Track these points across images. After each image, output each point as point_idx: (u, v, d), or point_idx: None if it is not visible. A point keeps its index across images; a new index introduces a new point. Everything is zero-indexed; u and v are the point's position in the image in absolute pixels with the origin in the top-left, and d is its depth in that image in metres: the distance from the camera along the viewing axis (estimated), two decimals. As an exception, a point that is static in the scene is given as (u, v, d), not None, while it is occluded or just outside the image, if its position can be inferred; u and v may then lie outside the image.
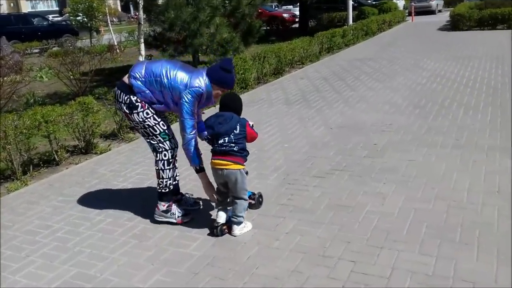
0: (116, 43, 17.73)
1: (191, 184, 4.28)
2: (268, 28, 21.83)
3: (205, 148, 3.69)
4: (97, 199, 4.17)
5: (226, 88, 3.41)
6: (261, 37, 14.61)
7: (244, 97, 8.08)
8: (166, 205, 3.57)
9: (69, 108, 5.33)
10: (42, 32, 20.82)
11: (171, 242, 3.33)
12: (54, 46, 19.06)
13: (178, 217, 3.57)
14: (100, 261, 3.15)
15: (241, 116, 3.41)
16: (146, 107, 3.38)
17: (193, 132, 3.38)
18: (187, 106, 3.30)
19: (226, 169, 3.25)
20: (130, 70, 3.42)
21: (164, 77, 3.32)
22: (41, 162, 5.28)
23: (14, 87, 8.81)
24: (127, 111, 3.40)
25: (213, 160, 3.31)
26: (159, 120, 3.44)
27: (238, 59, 8.61)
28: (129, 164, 5.02)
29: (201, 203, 3.89)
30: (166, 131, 3.47)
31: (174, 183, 3.65)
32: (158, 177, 3.54)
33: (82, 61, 10.08)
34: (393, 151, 4.85)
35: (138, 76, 3.35)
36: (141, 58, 8.46)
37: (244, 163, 3.33)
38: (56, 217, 3.85)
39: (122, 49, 17.07)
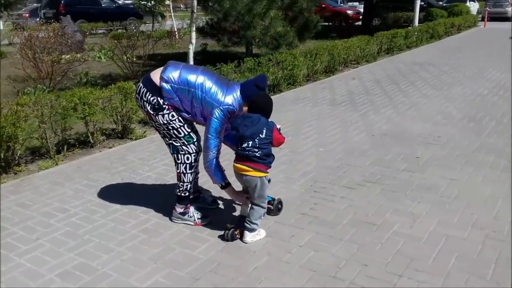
0: (176, 29, 17.96)
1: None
2: (330, 24, 21.34)
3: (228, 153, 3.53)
4: (119, 187, 4.13)
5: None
6: (321, 33, 14.27)
7: (290, 94, 7.86)
8: (184, 207, 3.44)
9: (107, 92, 5.34)
10: (109, 14, 21.47)
11: (180, 242, 3.21)
12: (118, 28, 19.59)
13: (196, 219, 3.42)
14: (105, 253, 3.08)
15: (272, 119, 3.22)
16: (172, 109, 3.20)
17: (217, 151, 3.21)
18: (217, 123, 3.12)
19: (246, 175, 3.09)
20: (162, 71, 3.19)
21: (199, 90, 3.13)
22: (76, 143, 5.34)
23: (69, 65, 9.09)
24: (151, 112, 3.21)
25: (235, 164, 3.15)
26: (184, 122, 3.26)
27: (288, 55, 8.39)
28: (158, 154, 4.96)
29: (219, 202, 3.75)
30: (191, 133, 3.29)
31: (193, 187, 3.49)
32: (179, 180, 3.38)
33: (137, 44, 10.24)
34: (435, 167, 4.47)
35: (171, 80, 3.14)
36: (191, 47, 8.42)
37: (267, 170, 3.14)
38: (75, 201, 3.84)
39: (181, 35, 17.27)
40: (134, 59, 9.94)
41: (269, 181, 3.23)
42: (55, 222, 3.51)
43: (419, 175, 4.29)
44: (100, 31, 19.58)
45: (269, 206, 3.48)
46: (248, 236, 3.17)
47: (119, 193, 3.98)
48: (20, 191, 4.07)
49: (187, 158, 3.30)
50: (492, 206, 3.65)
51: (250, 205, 3.22)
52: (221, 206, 3.74)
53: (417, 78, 9.05)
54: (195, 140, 3.31)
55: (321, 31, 12.68)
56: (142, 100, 3.23)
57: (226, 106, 3.12)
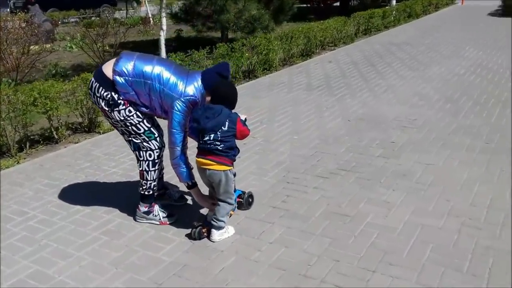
0: (151, 16, 17.50)
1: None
2: (308, 5, 21.05)
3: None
4: (82, 186, 3.92)
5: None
6: (298, 15, 14.05)
7: (265, 79, 7.67)
8: (148, 206, 3.25)
9: (70, 84, 5.09)
10: (81, 1, 20.82)
11: (143, 243, 3.04)
12: (92, 16, 19.02)
13: (161, 218, 3.24)
14: (63, 259, 2.89)
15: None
16: (129, 104, 2.98)
17: (183, 146, 3.01)
18: (180, 116, 2.93)
19: (209, 169, 2.91)
20: (114, 63, 2.96)
21: (156, 81, 2.93)
22: (41, 139, 5.09)
23: (37, 56, 8.73)
24: (105, 108, 2.99)
25: (197, 158, 2.96)
26: (143, 117, 3.05)
27: (262, 39, 8.16)
28: (125, 148, 4.70)
29: (187, 198, 3.58)
30: (152, 129, 3.09)
31: (157, 185, 3.31)
32: (142, 178, 3.19)
33: (109, 32, 9.88)
34: (411, 152, 4.36)
35: (124, 73, 2.93)
36: (163, 34, 8.14)
37: (232, 163, 2.96)
38: (35, 203, 3.63)
39: (156, 21, 16.84)
40: (106, 48, 9.60)
41: (234, 174, 3.04)
42: (12, 226, 3.30)
43: (394, 161, 4.17)
44: (73, 20, 18.98)
45: (240, 200, 3.35)
46: (216, 235, 3.01)
47: (81, 192, 3.78)
48: (-24, 193, 3.84)
49: (149, 155, 3.11)
50: (468, 191, 3.55)
51: (216, 201, 3.05)
52: (189, 202, 3.57)
53: (394, 59, 8.93)
54: (156, 135, 3.12)
55: (297, 13, 12.47)
56: (95, 96, 3.01)
57: (187, 97, 2.93)
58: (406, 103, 5.98)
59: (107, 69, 2.98)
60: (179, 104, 2.91)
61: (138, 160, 3.16)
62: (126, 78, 2.93)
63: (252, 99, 6.26)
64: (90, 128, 5.40)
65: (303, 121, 5.40)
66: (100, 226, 3.26)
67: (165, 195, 3.52)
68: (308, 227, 3.14)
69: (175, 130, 2.93)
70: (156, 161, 3.14)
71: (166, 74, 2.94)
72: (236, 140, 2.97)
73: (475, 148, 4.38)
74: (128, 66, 2.94)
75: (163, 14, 8.32)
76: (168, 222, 3.24)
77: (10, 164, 4.45)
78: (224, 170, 2.91)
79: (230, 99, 2.98)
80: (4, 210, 3.55)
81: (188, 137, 3.07)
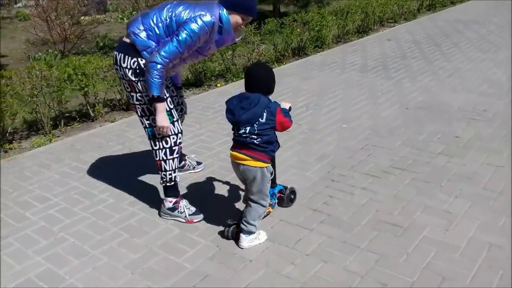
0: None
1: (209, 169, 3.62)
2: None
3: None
4: (110, 171, 3.67)
5: (249, 13, 2.80)
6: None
7: (316, 58, 7.14)
8: (173, 201, 2.98)
9: (107, 61, 4.83)
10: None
11: (164, 244, 2.73)
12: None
13: (187, 216, 2.95)
14: (77, 258, 2.64)
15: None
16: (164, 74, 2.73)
17: (169, 62, 2.67)
18: (186, 35, 2.63)
19: (243, 164, 2.56)
20: (127, 27, 2.79)
21: (169, 18, 2.71)
22: (77, 116, 4.91)
23: (85, 28, 8.63)
24: (133, 79, 2.77)
25: (231, 151, 2.63)
26: (167, 95, 2.83)
27: (315, 14, 7.59)
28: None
29: (203, 162, 3.64)
30: (172, 111, 2.86)
31: (179, 174, 3.06)
32: (160, 169, 2.94)
33: (158, 3, 9.62)
34: (478, 150, 3.78)
35: (140, 29, 2.73)
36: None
37: (269, 160, 2.61)
38: (59, 189, 3.41)
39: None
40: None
41: (271, 173, 2.67)
42: (31, 214, 3.09)
43: (458, 161, 3.62)
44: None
45: (281, 195, 3.03)
46: (245, 241, 2.66)
47: (109, 179, 3.52)
48: (3, 173, 3.68)
49: (166, 142, 2.87)
50: (548, 204, 2.98)
51: (248, 202, 2.69)
52: (220, 199, 3.23)
53: (461, 39, 8.08)
54: (175, 119, 2.89)
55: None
56: (121, 68, 2.80)
57: (201, 17, 2.66)
58: (473, 90, 5.31)
59: (125, 38, 2.81)
60: (190, 23, 2.65)
61: (153, 149, 2.92)
62: (142, 32, 2.72)
63: (300, 80, 5.79)
64: (128, 106, 5.16)
65: (355, 107, 4.89)
66: (122, 220, 2.99)
67: (183, 168, 3.40)
68: (352, 238, 2.71)
69: (172, 42, 2.64)
70: (174, 148, 2.90)
71: (177, 8, 2.72)
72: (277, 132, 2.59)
73: (556, 149, 3.74)
74: (138, 22, 2.75)
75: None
76: (195, 221, 2.95)
77: (42, 143, 4.28)
78: (260, 167, 2.55)
79: (268, 83, 2.59)
80: (26, 194, 3.35)
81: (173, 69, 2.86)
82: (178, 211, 2.96)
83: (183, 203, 2.98)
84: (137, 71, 2.74)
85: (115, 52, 2.82)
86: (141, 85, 2.77)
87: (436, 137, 4.07)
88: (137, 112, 2.89)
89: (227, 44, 2.95)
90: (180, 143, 2.94)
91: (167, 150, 2.88)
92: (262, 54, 6.96)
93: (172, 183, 2.96)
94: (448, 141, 3.98)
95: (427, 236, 2.70)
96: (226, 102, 2.59)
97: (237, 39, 2.92)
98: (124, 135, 4.39)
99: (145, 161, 3.80)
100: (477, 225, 2.79)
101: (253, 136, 2.50)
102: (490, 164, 3.53)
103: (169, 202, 2.97)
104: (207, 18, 2.65)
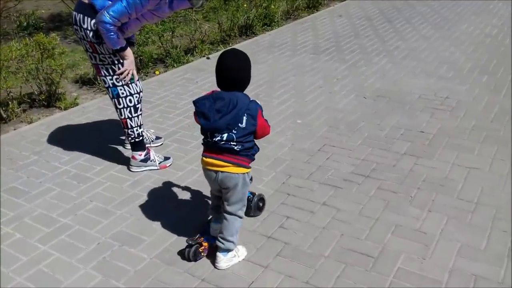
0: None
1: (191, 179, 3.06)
2: None
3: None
4: (18, 196, 3.01)
5: None
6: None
7: (265, 38, 6.57)
8: (144, 153, 3.19)
9: (17, 51, 4.06)
10: None
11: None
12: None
13: (159, 163, 3.22)
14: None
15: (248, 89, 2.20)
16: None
17: (117, 22, 2.69)
18: None
19: (222, 171, 2.18)
20: None
21: None
22: (-13, 117, 4.15)
23: (9, 3, 7.58)
24: (94, 41, 2.82)
25: (204, 158, 2.23)
26: None
27: (262, -12, 6.98)
28: (86, 131, 3.81)
29: (163, 137, 3.61)
30: (134, 70, 2.99)
31: (144, 130, 3.27)
32: (126, 127, 3.12)
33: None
34: (447, 148, 3.42)
35: None
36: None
37: (249, 165, 2.23)
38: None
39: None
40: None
41: (251, 179, 2.32)
42: None
43: (426, 162, 3.24)
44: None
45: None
46: (222, 261, 2.30)
47: (14, 209, 2.87)
48: None
49: (130, 101, 3.04)
50: (531, 216, 2.65)
51: (223, 214, 2.29)
52: (189, 204, 2.69)
53: (414, 14, 7.75)
54: (137, 79, 3.06)
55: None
56: (82, 29, 2.83)
57: None
58: (433, 73, 4.96)
59: None
60: None
61: (117, 108, 3.07)
62: None
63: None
64: (49, 102, 4.43)
65: (309, 97, 4.41)
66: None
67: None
68: (316, 276, 2.25)
69: (124, 4, 2.65)
70: (137, 106, 3.10)
71: None
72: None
73: (528, 144, 3.44)
74: None
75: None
76: (167, 165, 3.23)
77: None
78: (242, 173, 2.20)
79: (245, 77, 2.20)
80: None
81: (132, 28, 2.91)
82: (150, 161, 3.18)
83: (152, 152, 3.22)
84: (99, 32, 2.75)
85: (74, 12, 2.81)
86: (103, 47, 2.82)
87: (399, 133, 3.68)
88: (99, 73, 2.96)
89: (182, 8, 3.00)
90: (140, 100, 3.10)
91: (131, 108, 3.05)
92: (206, 35, 6.32)
93: (141, 137, 3.16)
94: (413, 138, 3.59)
95: (402, 268, 2.29)
96: (195, 103, 2.17)
97: (194, 5, 2.92)
98: (40, 140, 3.70)
99: (59, 181, 3.17)
100: (457, 249, 2.40)
101: (232, 143, 2.13)
102: (461, 166, 3.17)
103: (139, 155, 3.17)
104: None
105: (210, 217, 2.51)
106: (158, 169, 3.20)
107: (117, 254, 2.43)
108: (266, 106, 4.21)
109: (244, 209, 2.32)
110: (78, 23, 2.81)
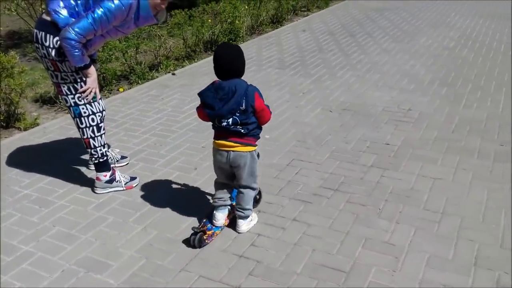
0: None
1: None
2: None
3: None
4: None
5: None
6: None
7: (230, 53, 6.57)
8: (109, 174, 3.09)
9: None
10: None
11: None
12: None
13: (125, 183, 3.14)
14: None
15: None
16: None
17: (83, 39, 2.65)
18: (102, 13, 2.60)
19: (233, 151, 2.50)
20: (47, 5, 2.72)
21: None
22: None
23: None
24: (56, 59, 2.75)
25: (216, 141, 2.55)
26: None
27: (227, 4, 7.02)
28: (47, 152, 3.68)
29: (128, 156, 3.54)
30: (97, 88, 2.92)
31: (108, 149, 3.23)
32: (89, 147, 3.03)
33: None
34: (412, 159, 3.49)
35: (59, 8, 2.69)
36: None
37: (256, 142, 2.58)
38: None
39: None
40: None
41: (258, 155, 2.62)
42: None
43: (392, 174, 3.29)
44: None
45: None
46: (244, 225, 2.68)
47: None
48: None
49: (92, 120, 2.97)
50: (494, 225, 2.71)
51: (238, 189, 2.66)
52: (155, 227, 2.61)
53: (375, 28, 7.96)
54: (99, 97, 2.99)
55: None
56: (43, 47, 2.76)
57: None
58: (395, 86, 5.08)
59: (45, 15, 2.76)
60: (110, 2, 2.62)
61: (79, 128, 2.99)
62: (63, 10, 2.68)
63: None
64: (8, 123, 4.27)
65: (276, 111, 4.42)
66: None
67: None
68: (288, 294, 2.24)
69: (87, 18, 2.61)
70: (100, 125, 3.02)
71: None
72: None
73: (488, 153, 3.55)
74: (59, 1, 2.69)
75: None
76: (134, 185, 3.16)
77: None
78: (250, 151, 2.53)
79: (239, 65, 2.45)
80: None
81: (96, 44, 2.86)
82: (116, 181, 3.10)
83: (118, 172, 3.13)
84: (61, 50, 2.70)
85: (35, 30, 2.75)
86: (65, 65, 2.76)
87: (366, 146, 3.73)
88: (61, 91, 2.88)
89: (148, 24, 2.98)
90: (103, 119, 3.02)
91: (94, 127, 2.97)
92: (171, 50, 6.29)
93: (105, 157, 3.07)
94: (379, 150, 3.65)
95: (374, 281, 2.30)
96: (200, 95, 2.46)
97: (160, 21, 2.97)
98: None
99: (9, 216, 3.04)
100: (426, 260, 2.44)
101: (238, 127, 2.44)
102: (426, 177, 3.24)
103: (104, 176, 3.07)
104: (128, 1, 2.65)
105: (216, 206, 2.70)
106: (124, 190, 3.12)
107: (83, 282, 2.34)
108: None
109: (257, 180, 2.64)
110: (39, 41, 2.75)
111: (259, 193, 2.91)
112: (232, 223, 2.74)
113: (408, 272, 2.35)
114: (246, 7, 7.49)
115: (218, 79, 2.43)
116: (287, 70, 5.73)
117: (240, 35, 7.25)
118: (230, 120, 2.41)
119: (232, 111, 2.37)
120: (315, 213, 2.86)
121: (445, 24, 8.18)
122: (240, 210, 2.64)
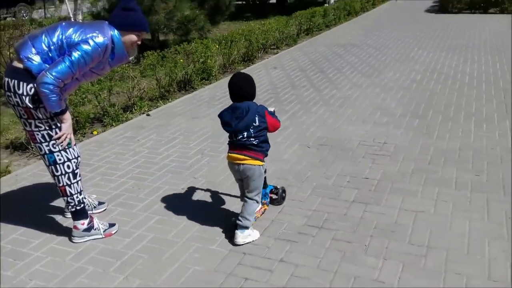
0: (72, 15, 15.78)
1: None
2: (243, 2, 20.11)
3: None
4: None
5: (139, 29, 2.86)
6: (235, 14, 13.04)
7: (205, 92, 6.63)
8: (86, 222, 2.99)
9: None
10: (-6, 0, 18.53)
11: None
12: (6, 16, 16.94)
13: (104, 231, 3.04)
14: None
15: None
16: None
17: (62, 84, 2.64)
18: (79, 56, 2.62)
19: (242, 164, 2.87)
20: (18, 52, 2.68)
21: (60, 41, 2.67)
22: None
23: None
24: (30, 106, 2.69)
25: (229, 154, 2.94)
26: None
27: (199, 44, 7.10)
28: (20, 201, 3.54)
29: (106, 202, 3.45)
30: (71, 134, 2.87)
31: (85, 196, 3.09)
32: (65, 195, 2.93)
33: (23, 35, 8.38)
34: (392, 193, 3.52)
35: (32, 55, 2.65)
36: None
37: (264, 158, 2.96)
38: None
39: (80, 21, 15.17)
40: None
41: (265, 171, 3.02)
42: None
43: (375, 209, 3.30)
44: (-18, 20, 16.78)
45: (272, 195, 3.34)
46: (240, 237, 2.89)
47: None
48: None
49: (68, 167, 2.88)
50: (479, 256, 2.73)
51: (244, 198, 2.97)
52: (138, 275, 2.50)
53: (343, 63, 8.18)
54: (74, 143, 2.92)
55: (233, 11, 11.44)
56: (16, 95, 2.68)
57: (96, 40, 2.68)
58: (368, 120, 5.18)
59: (16, 63, 2.71)
60: (83, 44, 2.65)
61: (54, 176, 2.90)
62: (35, 56, 2.65)
63: (190, 121, 5.20)
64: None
65: (254, 150, 4.41)
66: None
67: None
68: None
69: (65, 62, 2.61)
70: (76, 171, 2.93)
71: (68, 29, 2.71)
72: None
73: (466, 184, 3.62)
74: (29, 47, 2.67)
75: (79, 16, 7.03)
76: (113, 232, 3.06)
77: None
78: (258, 165, 2.89)
79: (250, 90, 2.88)
80: None
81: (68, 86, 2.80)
82: (94, 229, 3.00)
83: (96, 219, 3.04)
84: (36, 97, 2.67)
85: (6, 79, 2.68)
86: (40, 112, 2.71)
87: (346, 180, 3.75)
88: (34, 139, 2.81)
89: (122, 63, 3.05)
90: (79, 166, 2.94)
91: (70, 174, 2.88)
92: (144, 91, 6.26)
93: (82, 205, 2.97)
94: (359, 184, 3.67)
95: (367, 322, 2.26)
96: (220, 116, 2.91)
97: (130, 58, 3.03)
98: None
99: None
100: (416, 296, 2.42)
101: (251, 139, 2.85)
102: (408, 210, 3.26)
103: (81, 224, 2.97)
104: (100, 39, 2.68)
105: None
106: (103, 237, 3.01)
107: None
108: (211, 160, 4.20)
109: (260, 195, 2.98)
110: (11, 89, 2.68)
111: (285, 191, 3.40)
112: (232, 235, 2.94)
113: (400, 310, 2.32)
114: (217, 46, 7.59)
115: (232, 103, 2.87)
116: (261, 107, 5.77)
117: (213, 74, 7.32)
118: (245, 133, 2.83)
119: (247, 127, 2.81)
120: (302, 252, 2.83)
121: (409, 58, 8.49)
122: (241, 218, 2.89)
